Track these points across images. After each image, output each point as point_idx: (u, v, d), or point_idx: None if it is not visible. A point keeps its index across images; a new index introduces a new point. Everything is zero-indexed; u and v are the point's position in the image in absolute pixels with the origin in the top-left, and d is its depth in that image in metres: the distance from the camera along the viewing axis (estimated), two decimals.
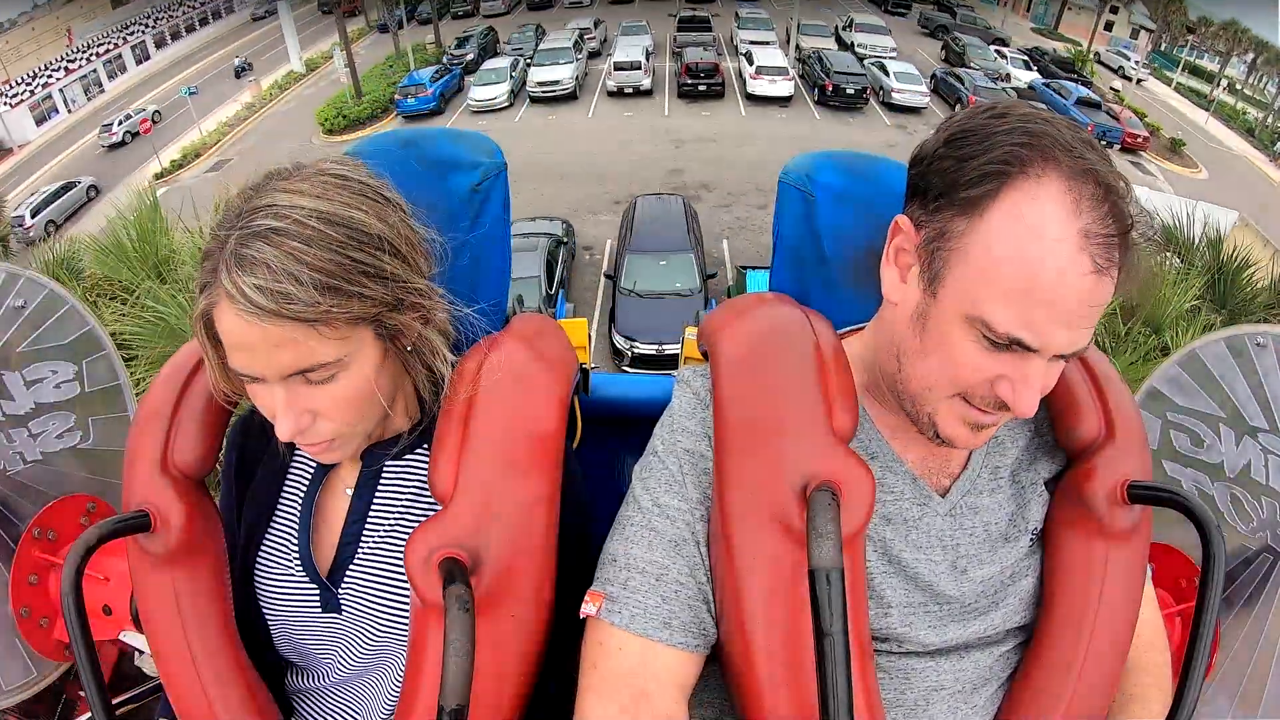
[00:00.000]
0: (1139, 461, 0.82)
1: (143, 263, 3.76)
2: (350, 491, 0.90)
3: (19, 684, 1.18)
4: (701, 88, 23.88)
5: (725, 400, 0.79)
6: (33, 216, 16.53)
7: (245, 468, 0.96)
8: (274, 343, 0.71)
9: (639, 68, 24.76)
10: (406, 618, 0.86)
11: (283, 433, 0.76)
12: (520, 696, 0.80)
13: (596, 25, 31.43)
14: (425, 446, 0.89)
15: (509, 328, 0.94)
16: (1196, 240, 4.56)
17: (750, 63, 24.61)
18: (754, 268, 10.36)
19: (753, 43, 26.41)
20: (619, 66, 24.97)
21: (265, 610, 0.92)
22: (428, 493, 0.88)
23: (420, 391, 0.87)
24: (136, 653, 1.20)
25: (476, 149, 1.01)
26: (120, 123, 22.07)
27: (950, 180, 0.70)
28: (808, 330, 0.83)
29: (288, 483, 0.94)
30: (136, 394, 1.25)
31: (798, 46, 26.68)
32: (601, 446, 1.14)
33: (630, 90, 24.21)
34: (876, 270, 0.79)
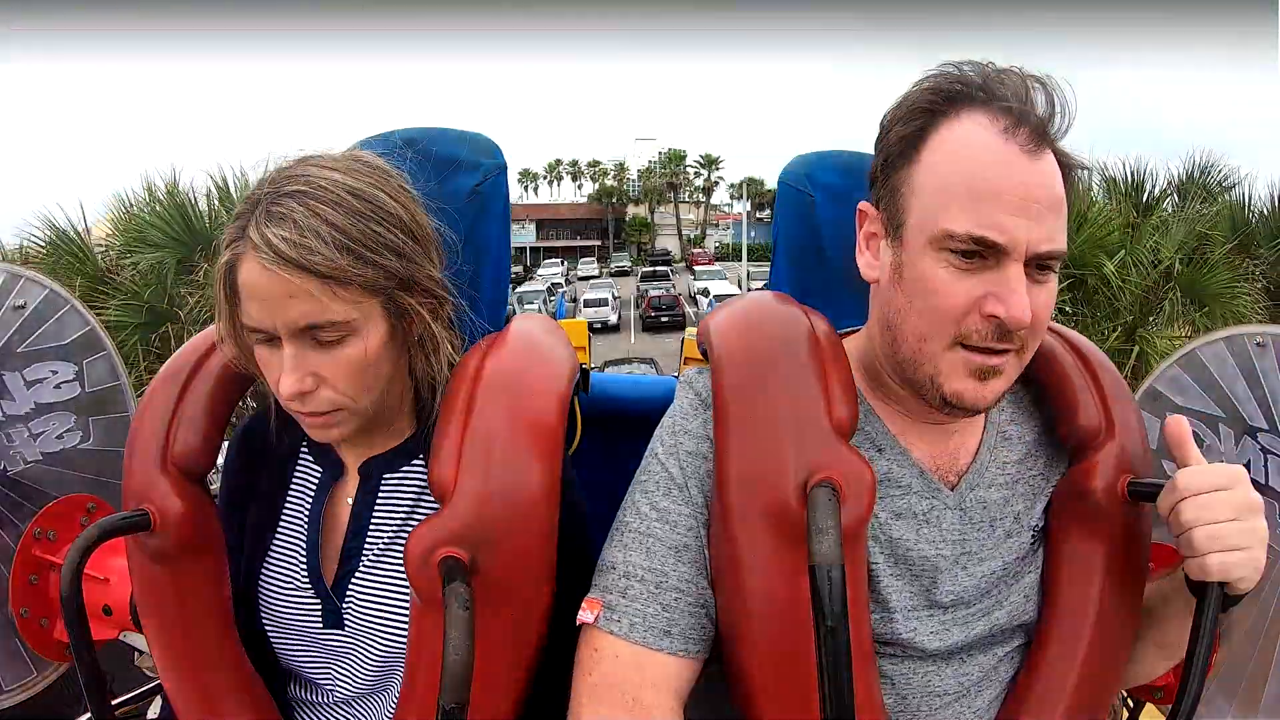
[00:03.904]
0: (1140, 460, 0.82)
1: None
2: (351, 501, 0.90)
3: (19, 684, 1.18)
4: (664, 319, 27.98)
5: (724, 398, 0.79)
6: None
7: (246, 483, 0.96)
8: (289, 293, 0.74)
9: (606, 304, 29.38)
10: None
11: (285, 389, 0.77)
12: (519, 695, 0.80)
13: (567, 281, 38.21)
14: (423, 456, 0.89)
15: (509, 327, 0.94)
16: None
17: (706, 295, 28.78)
18: None
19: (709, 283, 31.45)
20: (589, 304, 29.66)
21: (268, 630, 0.91)
22: (426, 501, 0.88)
23: (420, 396, 0.87)
24: (136, 653, 1.20)
25: (477, 149, 1.01)
26: None
27: (886, 147, 0.77)
28: (806, 327, 0.83)
29: (290, 498, 0.94)
30: (136, 394, 1.25)
31: (750, 289, 30.47)
32: (602, 447, 1.14)
33: (599, 325, 27.82)
34: None
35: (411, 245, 0.80)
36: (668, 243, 62.85)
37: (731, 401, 0.78)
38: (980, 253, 0.70)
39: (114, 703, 0.93)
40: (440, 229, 0.86)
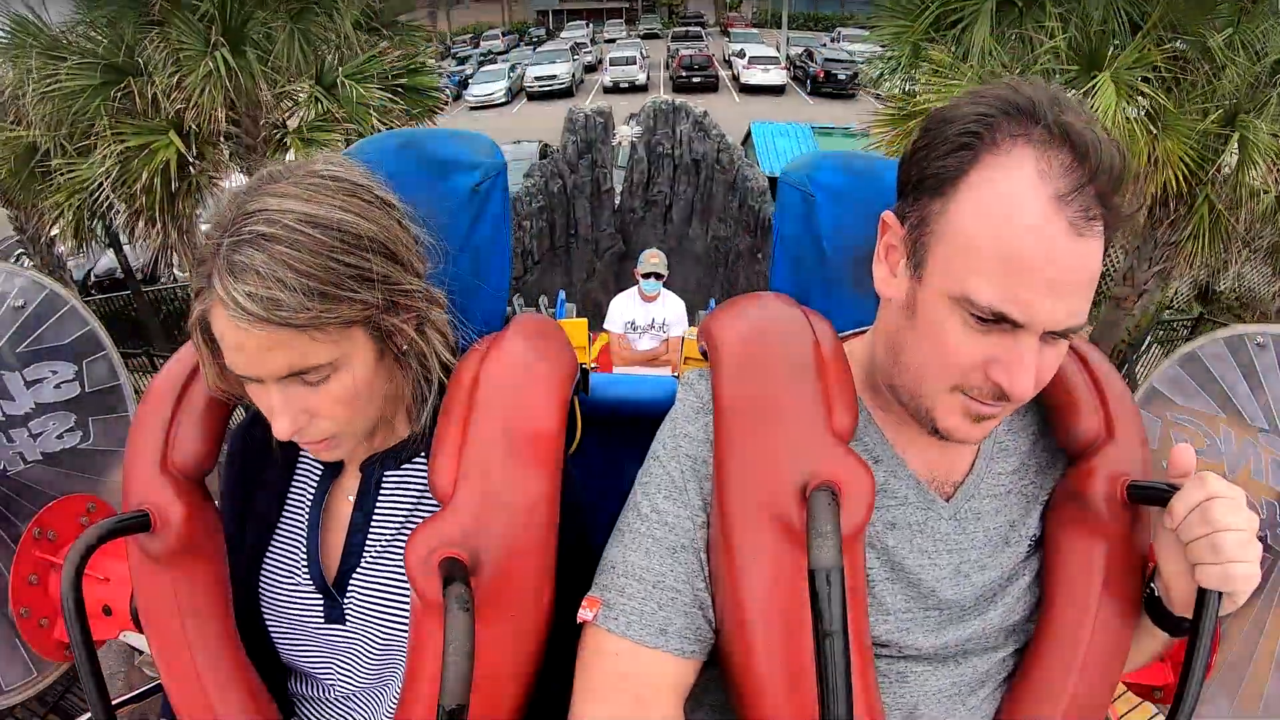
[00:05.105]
0: (1139, 461, 0.82)
1: None
2: (352, 499, 0.90)
3: (19, 684, 1.18)
4: (696, 79, 25.07)
5: (724, 400, 0.79)
6: None
7: (247, 478, 0.96)
8: (267, 346, 0.72)
9: (634, 63, 26.49)
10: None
11: (280, 432, 0.76)
12: (520, 697, 0.80)
13: (593, 41, 35.01)
14: (424, 454, 0.89)
15: (508, 328, 0.94)
16: None
17: (742, 56, 25.79)
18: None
19: (745, 45, 28.31)
20: (614, 62, 26.77)
21: (270, 626, 0.92)
22: (428, 500, 0.88)
23: (419, 397, 0.87)
24: (136, 653, 1.20)
25: (476, 149, 1.01)
26: None
27: (924, 166, 0.70)
28: (807, 329, 0.83)
29: (291, 494, 0.94)
30: (137, 394, 1.25)
31: (787, 56, 28.17)
32: (602, 448, 1.14)
33: (626, 85, 25.68)
34: None
35: (388, 265, 0.76)
36: (701, 6, 55.29)
37: (732, 404, 0.78)
38: (997, 320, 0.67)
39: (114, 703, 0.92)
40: (422, 235, 0.84)
